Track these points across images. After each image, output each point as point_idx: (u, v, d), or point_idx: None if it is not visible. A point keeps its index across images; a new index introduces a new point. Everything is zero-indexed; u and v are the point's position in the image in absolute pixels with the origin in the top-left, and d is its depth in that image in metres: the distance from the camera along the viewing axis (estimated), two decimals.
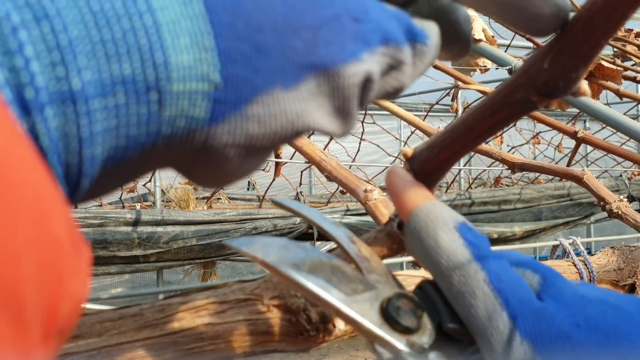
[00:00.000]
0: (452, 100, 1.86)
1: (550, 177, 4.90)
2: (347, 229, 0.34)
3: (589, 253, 0.88)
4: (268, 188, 3.68)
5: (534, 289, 0.29)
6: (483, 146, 1.24)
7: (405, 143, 4.92)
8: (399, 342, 0.27)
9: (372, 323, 0.27)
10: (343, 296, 0.27)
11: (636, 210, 1.01)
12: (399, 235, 0.37)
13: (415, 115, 1.40)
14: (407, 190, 0.33)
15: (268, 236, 0.28)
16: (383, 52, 0.26)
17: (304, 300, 0.39)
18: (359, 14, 0.25)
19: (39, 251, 0.15)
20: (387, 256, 0.38)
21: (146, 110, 0.21)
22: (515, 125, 5.22)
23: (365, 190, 0.69)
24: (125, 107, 0.20)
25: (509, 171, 1.16)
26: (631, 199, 5.07)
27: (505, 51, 1.61)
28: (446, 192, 4.50)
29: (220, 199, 4.15)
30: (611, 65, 1.54)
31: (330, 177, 0.79)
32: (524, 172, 5.05)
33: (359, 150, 4.18)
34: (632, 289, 0.78)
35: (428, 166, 0.34)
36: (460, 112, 1.89)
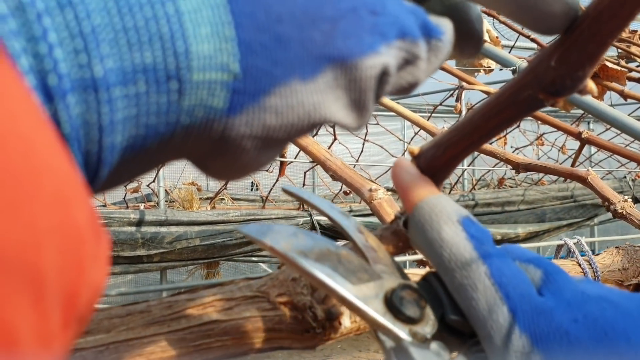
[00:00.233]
0: (456, 101, 1.86)
1: (554, 178, 4.89)
2: (355, 220, 0.34)
3: (593, 253, 0.88)
4: (272, 189, 3.68)
5: (536, 284, 0.30)
6: (487, 146, 1.24)
7: (409, 144, 4.92)
8: (401, 331, 0.27)
9: (376, 312, 0.28)
10: (349, 284, 0.27)
11: None
12: (405, 234, 0.37)
13: (419, 116, 1.40)
14: (412, 183, 0.33)
15: (279, 224, 0.29)
16: (399, 46, 0.26)
17: (310, 298, 0.40)
18: (377, 7, 0.25)
19: (60, 237, 0.15)
20: (392, 254, 0.38)
21: (166, 100, 0.21)
22: (519, 126, 5.22)
23: (370, 190, 0.70)
24: (146, 96, 0.20)
25: (513, 172, 1.16)
26: (635, 200, 5.05)
27: (509, 52, 1.61)
28: (450, 193, 4.50)
29: (223, 199, 4.15)
30: (615, 67, 1.54)
31: (335, 177, 0.79)
32: (527, 174, 5.04)
33: (362, 150, 4.18)
34: (636, 288, 0.78)
35: (434, 164, 0.34)
36: (463, 113, 1.90)
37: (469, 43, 0.31)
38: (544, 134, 5.62)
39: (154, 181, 3.81)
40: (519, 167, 1.13)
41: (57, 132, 0.18)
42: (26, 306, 0.14)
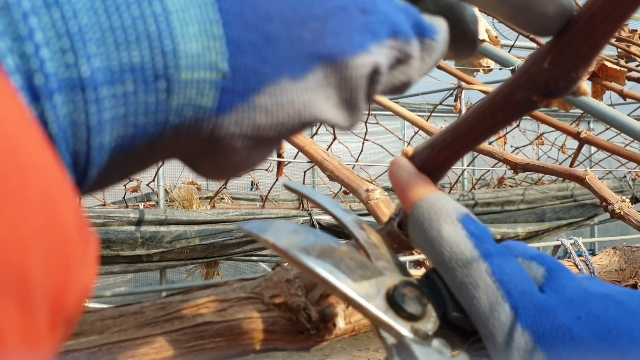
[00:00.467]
0: (455, 100, 1.86)
1: (554, 178, 4.89)
2: (357, 216, 0.34)
3: (592, 254, 0.87)
4: (271, 188, 3.68)
5: (538, 281, 0.29)
6: (486, 146, 1.24)
7: (409, 143, 4.92)
8: (403, 328, 0.27)
9: (378, 308, 0.28)
10: (350, 281, 0.27)
11: (639, 211, 1.01)
12: (400, 235, 0.37)
13: (419, 115, 1.40)
14: (410, 182, 0.33)
15: (280, 221, 0.29)
16: (391, 44, 0.26)
17: (304, 299, 0.40)
18: (367, 5, 0.25)
19: (47, 238, 0.15)
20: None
21: (154, 99, 0.21)
22: (518, 126, 5.22)
23: (367, 190, 0.69)
24: (134, 95, 0.20)
25: (512, 172, 1.16)
26: (635, 200, 5.05)
27: (509, 52, 1.61)
28: (449, 192, 4.50)
29: (223, 198, 4.15)
30: (615, 66, 1.53)
31: (333, 177, 0.79)
32: (527, 173, 5.04)
33: (362, 150, 4.18)
34: (633, 289, 0.78)
35: (429, 165, 0.34)
36: (463, 112, 1.89)
37: (463, 44, 0.31)
38: (543, 133, 5.62)
39: (153, 180, 3.81)
40: (517, 167, 1.13)
41: (44, 133, 0.18)
42: (12, 307, 0.14)
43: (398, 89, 0.28)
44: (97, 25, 0.19)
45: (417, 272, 0.53)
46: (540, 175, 5.32)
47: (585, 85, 0.29)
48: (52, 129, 0.18)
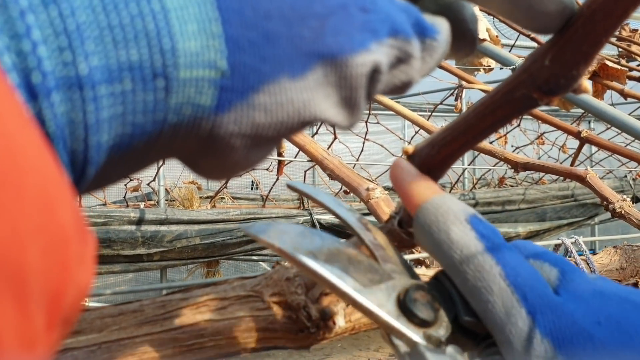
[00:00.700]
0: (456, 100, 1.86)
1: (555, 177, 4.89)
2: (361, 215, 0.34)
3: (593, 253, 0.87)
4: (272, 187, 3.68)
5: (552, 283, 0.29)
6: (487, 145, 1.24)
7: (409, 143, 4.92)
8: (416, 335, 0.27)
9: (389, 315, 0.27)
10: (360, 286, 0.27)
11: None
12: (400, 233, 0.37)
13: (419, 115, 1.39)
14: (413, 184, 0.32)
15: (285, 223, 0.28)
16: (391, 43, 0.25)
17: (304, 298, 0.39)
18: (367, 4, 0.25)
19: (45, 238, 0.15)
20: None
21: (153, 98, 0.20)
22: (519, 125, 5.21)
23: (368, 189, 0.69)
24: (132, 94, 0.20)
25: (513, 171, 1.16)
26: (636, 199, 5.05)
27: (510, 51, 1.61)
28: (450, 192, 4.50)
29: (224, 198, 4.15)
30: (616, 65, 1.53)
31: (333, 176, 0.79)
32: (528, 173, 5.03)
33: (362, 149, 4.18)
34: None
35: (429, 164, 0.34)
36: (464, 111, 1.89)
37: (463, 43, 0.31)
38: (544, 132, 5.61)
39: (154, 180, 3.81)
40: (517, 166, 1.13)
41: (42, 131, 0.18)
42: (9, 307, 0.14)
43: (399, 89, 0.28)
44: (95, 23, 0.19)
45: (420, 271, 0.53)
46: (541, 174, 5.32)
47: (586, 82, 0.29)
48: (49, 127, 0.18)
